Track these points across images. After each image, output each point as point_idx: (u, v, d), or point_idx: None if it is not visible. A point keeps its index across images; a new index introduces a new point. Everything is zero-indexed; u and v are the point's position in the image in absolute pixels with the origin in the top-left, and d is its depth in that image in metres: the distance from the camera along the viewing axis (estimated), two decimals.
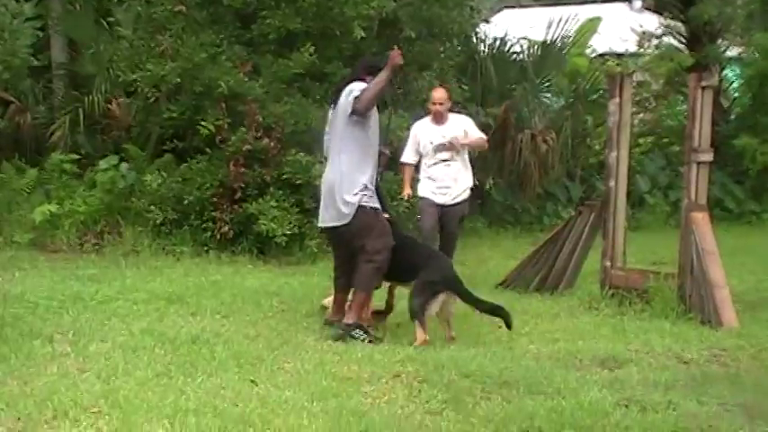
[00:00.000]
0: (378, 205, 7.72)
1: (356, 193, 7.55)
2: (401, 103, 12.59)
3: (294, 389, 6.02)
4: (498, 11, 28.54)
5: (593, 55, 20.81)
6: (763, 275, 11.33)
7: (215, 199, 12.14)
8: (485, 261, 12.59)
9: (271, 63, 12.44)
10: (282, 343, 7.33)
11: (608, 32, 20.62)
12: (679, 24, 19.53)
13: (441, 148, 9.70)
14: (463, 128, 9.82)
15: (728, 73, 20.37)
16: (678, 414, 5.74)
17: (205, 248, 12.09)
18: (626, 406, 5.85)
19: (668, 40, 19.79)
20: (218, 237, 12.11)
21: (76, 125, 14.17)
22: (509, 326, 7.74)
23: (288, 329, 7.83)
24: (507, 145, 16.44)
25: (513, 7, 30.14)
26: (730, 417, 5.75)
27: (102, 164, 13.20)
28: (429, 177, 9.80)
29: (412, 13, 13.43)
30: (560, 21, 17.69)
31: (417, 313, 7.49)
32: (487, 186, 15.56)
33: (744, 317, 8.62)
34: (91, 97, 14.10)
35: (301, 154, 11.92)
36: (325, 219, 7.87)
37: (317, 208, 8.20)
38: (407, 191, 9.85)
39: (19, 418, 5.24)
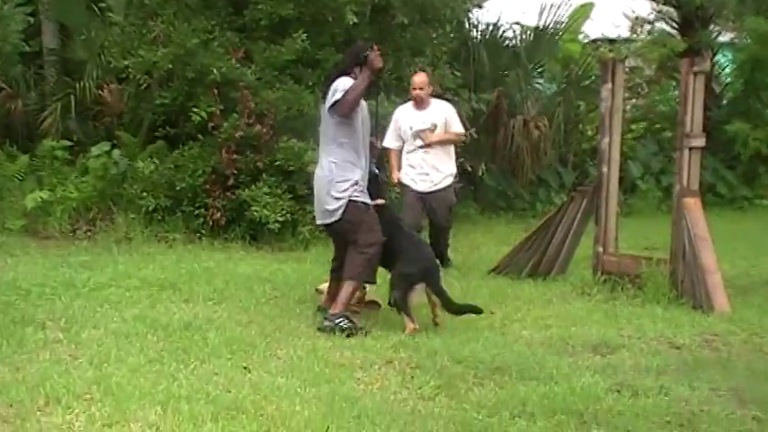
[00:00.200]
0: (368, 200, 7.62)
1: (346, 189, 7.47)
2: (393, 89, 12.56)
3: (287, 375, 6.02)
4: None
5: (586, 41, 20.79)
6: (754, 260, 11.36)
7: (207, 185, 12.12)
8: (477, 247, 12.59)
9: (263, 49, 12.41)
10: (275, 329, 7.33)
11: (601, 18, 20.62)
12: (671, 10, 19.54)
13: (419, 134, 9.63)
14: (444, 115, 9.75)
15: (721, 58, 20.39)
16: (670, 399, 5.76)
17: (198, 235, 12.08)
18: (618, 391, 5.87)
19: (660, 25, 19.83)
20: (211, 223, 12.09)
21: (68, 111, 14.15)
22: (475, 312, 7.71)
23: (280, 316, 7.83)
24: (500, 131, 16.46)
25: None
26: (722, 401, 5.76)
27: (94, 150, 13.17)
28: (409, 164, 9.75)
29: None
30: (553, 6, 17.69)
31: (400, 305, 7.49)
32: (480, 172, 15.57)
33: (735, 302, 8.64)
34: (82, 83, 14.07)
35: (294, 140, 11.90)
36: (319, 216, 7.84)
37: (310, 194, 8.19)
38: (396, 174, 9.74)
39: (11, 405, 5.23)
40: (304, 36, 12.17)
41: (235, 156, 12.00)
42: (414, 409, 5.50)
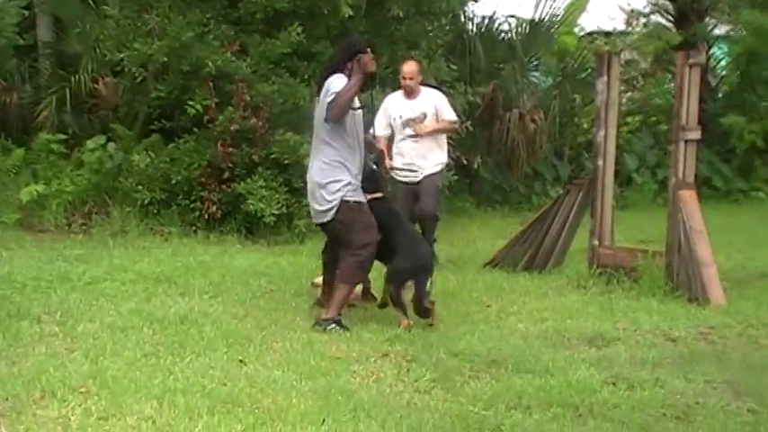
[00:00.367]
0: (362, 198, 7.50)
1: (338, 190, 7.34)
2: (388, 82, 12.55)
3: (283, 368, 6.03)
4: None
5: (582, 34, 20.79)
6: (750, 253, 11.37)
7: (203, 179, 12.12)
8: (473, 240, 12.60)
9: (258, 42, 12.39)
10: (271, 323, 7.33)
11: (596, 11, 20.59)
12: (667, 3, 19.54)
13: (409, 123, 9.56)
14: (434, 104, 9.65)
15: (716, 51, 20.39)
16: (665, 391, 5.77)
17: (193, 228, 12.07)
18: (614, 384, 5.88)
19: (656, 18, 19.83)
20: (207, 217, 12.09)
21: (63, 105, 14.15)
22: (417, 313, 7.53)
23: (276, 309, 7.83)
24: (495, 124, 16.46)
25: None
26: (717, 394, 5.78)
27: (90, 144, 13.17)
28: (398, 153, 9.62)
29: None
30: None
31: (395, 300, 7.47)
32: (476, 166, 15.55)
33: (731, 294, 8.65)
34: (77, 77, 14.06)
35: (289, 133, 11.88)
36: (313, 215, 7.77)
37: (306, 187, 8.12)
38: (388, 162, 9.53)
39: (7, 399, 5.24)
40: (299, 29, 12.14)
41: (230, 149, 11.99)
42: (409, 402, 5.51)
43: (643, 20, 19.75)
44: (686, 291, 8.60)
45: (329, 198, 7.36)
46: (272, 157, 11.99)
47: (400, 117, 9.55)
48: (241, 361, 6.20)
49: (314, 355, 6.37)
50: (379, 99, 10.07)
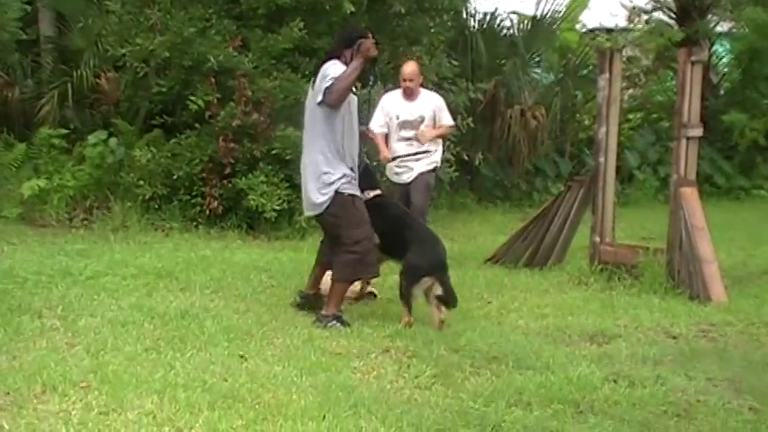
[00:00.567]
0: (357, 192, 7.39)
1: (333, 183, 7.21)
2: (390, 78, 12.54)
3: (283, 364, 6.02)
4: None
5: (584, 30, 20.78)
6: (751, 250, 11.37)
7: (204, 174, 12.12)
8: (474, 237, 12.60)
9: (260, 38, 12.38)
10: (272, 318, 7.33)
11: (598, 7, 20.58)
12: None
13: (406, 125, 9.46)
14: (433, 107, 9.53)
15: (718, 48, 20.39)
16: (666, 389, 5.77)
17: (194, 224, 12.08)
18: (614, 381, 5.88)
19: (658, 15, 19.83)
20: (208, 212, 12.09)
21: (65, 100, 14.15)
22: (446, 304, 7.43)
23: (277, 305, 7.83)
24: (497, 120, 16.48)
25: None
26: (718, 391, 5.78)
27: (91, 138, 13.16)
28: (392, 153, 9.52)
29: None
30: None
31: (403, 295, 7.36)
32: (477, 162, 15.55)
33: (732, 292, 8.66)
34: (79, 72, 14.07)
35: (291, 129, 11.84)
36: (305, 208, 7.64)
37: None
38: (385, 153, 9.45)
39: (8, 393, 5.23)
40: (301, 25, 12.14)
41: (232, 144, 11.99)
42: (410, 398, 5.51)
43: (645, 17, 19.75)
44: (687, 288, 8.60)
45: (324, 191, 7.25)
46: (274, 152, 11.99)
47: (397, 117, 9.43)
48: (242, 356, 6.20)
49: (314, 351, 6.37)
50: (379, 95, 10.05)
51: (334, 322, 7.17)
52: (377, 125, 9.41)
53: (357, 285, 7.99)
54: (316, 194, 7.29)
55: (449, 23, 15.48)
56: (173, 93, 12.59)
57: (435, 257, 7.48)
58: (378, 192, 7.78)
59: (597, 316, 7.83)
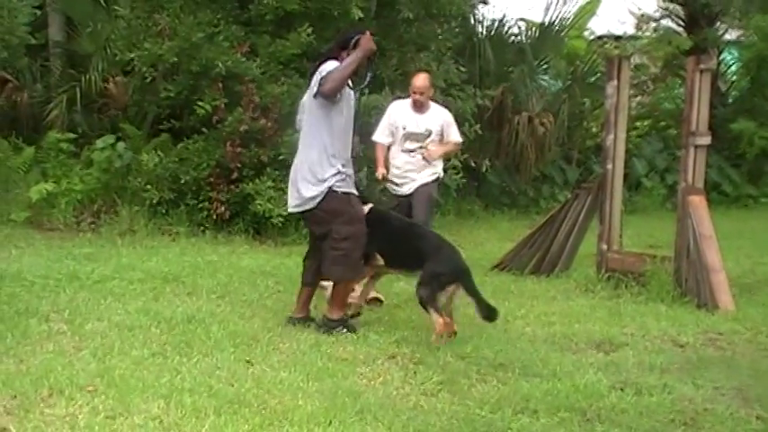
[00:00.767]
0: (353, 191, 7.30)
1: (327, 179, 7.11)
2: (398, 85, 12.54)
3: (290, 369, 6.02)
4: None
5: (592, 37, 20.80)
6: (759, 259, 11.35)
7: (211, 179, 12.13)
8: (481, 243, 12.59)
9: (268, 43, 12.41)
10: (278, 323, 7.32)
11: (606, 15, 20.60)
12: (677, 7, 19.53)
13: (411, 137, 9.36)
14: (441, 123, 9.40)
15: (727, 56, 20.39)
16: (674, 397, 5.75)
17: (201, 228, 12.09)
18: (621, 389, 5.87)
19: (666, 22, 19.82)
20: (215, 217, 12.10)
21: (73, 104, 14.18)
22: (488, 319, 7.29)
23: (284, 310, 7.81)
24: (504, 127, 16.49)
25: None
26: (726, 400, 5.76)
27: (99, 143, 13.17)
28: (394, 164, 9.41)
29: None
30: (558, 3, 17.68)
31: (428, 303, 7.09)
32: (484, 169, 15.55)
33: (740, 300, 8.64)
34: (88, 76, 14.11)
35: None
36: (292, 203, 7.44)
37: None
38: (381, 170, 9.40)
39: (15, 396, 5.23)
40: (309, 30, 12.17)
41: (239, 149, 11.99)
42: (416, 405, 5.50)
43: (653, 24, 19.74)
44: (695, 296, 8.58)
45: (317, 187, 7.13)
46: (281, 157, 11.98)
47: (404, 128, 9.31)
48: (248, 361, 6.19)
49: (321, 357, 6.37)
50: (388, 102, 10.04)
51: (341, 328, 7.14)
52: (382, 136, 9.33)
53: (357, 291, 7.90)
54: (307, 188, 7.16)
55: (457, 30, 15.48)
56: (180, 98, 12.61)
57: (456, 263, 7.33)
58: (370, 205, 7.60)
59: (604, 324, 7.81)
